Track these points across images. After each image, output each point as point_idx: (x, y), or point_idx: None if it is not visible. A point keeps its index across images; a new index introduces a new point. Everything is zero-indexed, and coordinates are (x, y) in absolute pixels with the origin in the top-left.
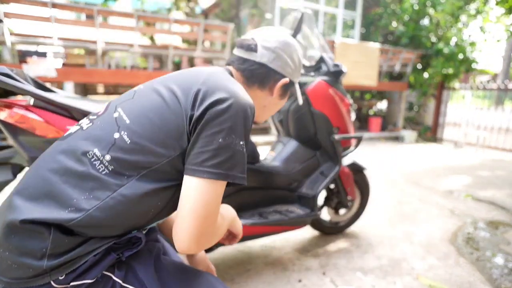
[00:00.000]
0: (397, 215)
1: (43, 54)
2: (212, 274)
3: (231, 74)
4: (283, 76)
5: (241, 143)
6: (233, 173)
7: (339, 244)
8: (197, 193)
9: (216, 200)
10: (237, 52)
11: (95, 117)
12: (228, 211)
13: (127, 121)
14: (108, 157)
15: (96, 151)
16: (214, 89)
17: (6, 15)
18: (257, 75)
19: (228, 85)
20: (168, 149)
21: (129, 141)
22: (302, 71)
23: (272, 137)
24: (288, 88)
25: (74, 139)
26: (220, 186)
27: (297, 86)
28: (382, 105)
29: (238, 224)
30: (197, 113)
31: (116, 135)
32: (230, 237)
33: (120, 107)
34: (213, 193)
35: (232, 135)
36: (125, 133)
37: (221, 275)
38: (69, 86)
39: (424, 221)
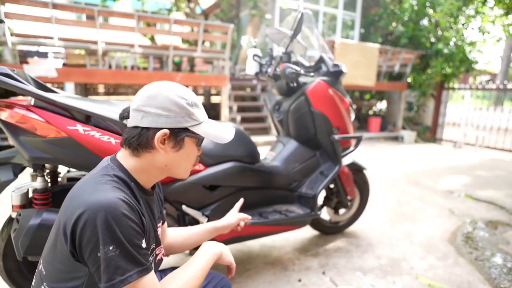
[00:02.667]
0: (397, 215)
1: (44, 55)
2: None
3: (117, 163)
4: (160, 129)
5: (111, 248)
6: (116, 280)
7: (338, 243)
8: None
9: None
10: None
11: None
12: (208, 252)
13: (44, 273)
14: None
15: None
16: (71, 214)
17: (7, 15)
18: (133, 139)
19: (79, 202)
20: (74, 280)
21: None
22: (199, 110)
23: (272, 137)
24: (177, 136)
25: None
26: None
27: (198, 128)
28: (382, 105)
29: (227, 257)
30: (71, 246)
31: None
32: (227, 269)
33: (42, 259)
34: None
35: (101, 247)
36: (45, 284)
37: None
38: (70, 86)
39: (424, 221)
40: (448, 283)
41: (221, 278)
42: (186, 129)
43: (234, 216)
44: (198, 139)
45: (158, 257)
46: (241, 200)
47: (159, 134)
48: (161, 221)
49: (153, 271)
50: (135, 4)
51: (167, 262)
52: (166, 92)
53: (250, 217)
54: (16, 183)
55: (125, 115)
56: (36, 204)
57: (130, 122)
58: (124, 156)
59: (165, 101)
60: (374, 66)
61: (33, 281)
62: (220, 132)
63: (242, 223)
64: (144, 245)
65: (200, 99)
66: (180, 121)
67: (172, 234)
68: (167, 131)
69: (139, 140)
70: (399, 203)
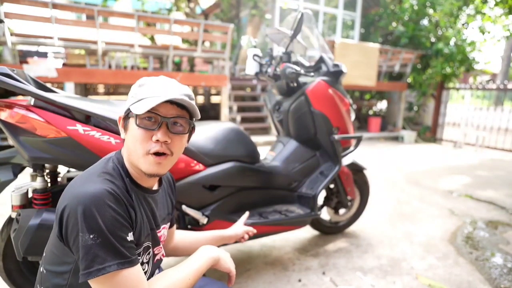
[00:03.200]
0: (397, 215)
1: (43, 55)
2: None
3: (119, 156)
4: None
5: (91, 236)
6: (93, 269)
7: (338, 244)
8: None
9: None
10: None
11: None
12: (204, 255)
13: (44, 255)
14: None
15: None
16: (61, 204)
17: (7, 15)
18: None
19: (69, 192)
20: (64, 265)
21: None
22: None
23: (272, 137)
24: (125, 119)
25: None
26: (104, 280)
27: (135, 105)
28: (382, 105)
29: (225, 263)
30: (59, 234)
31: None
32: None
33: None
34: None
35: (81, 234)
36: (43, 266)
37: (221, 275)
38: (70, 86)
39: (424, 221)
40: (448, 283)
41: (220, 285)
42: (128, 109)
43: (241, 228)
44: (134, 117)
45: (157, 257)
46: (247, 213)
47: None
48: (168, 223)
49: (139, 265)
50: (135, 4)
51: (167, 262)
52: (138, 82)
53: (255, 230)
54: (16, 183)
55: None
56: (36, 204)
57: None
58: (123, 149)
59: (132, 89)
60: (375, 66)
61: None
62: (151, 99)
63: (246, 236)
64: (130, 238)
65: (154, 80)
66: (128, 103)
67: (179, 237)
68: (122, 114)
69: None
70: (399, 203)
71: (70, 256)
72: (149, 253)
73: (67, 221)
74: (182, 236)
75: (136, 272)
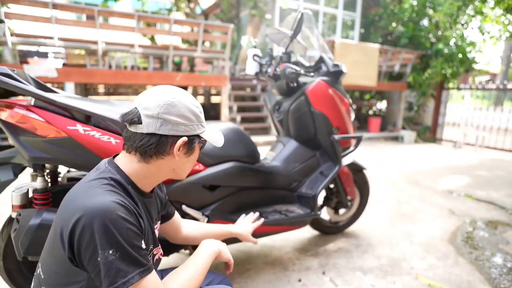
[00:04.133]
0: (397, 215)
1: (44, 55)
2: None
3: (114, 165)
4: (179, 137)
5: (111, 252)
6: (118, 283)
7: (338, 243)
8: None
9: None
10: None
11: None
12: (208, 250)
13: (42, 276)
14: None
15: None
16: (68, 220)
17: (7, 15)
18: (150, 147)
19: (73, 207)
20: (73, 285)
21: None
22: (203, 122)
23: (272, 137)
24: (191, 143)
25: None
26: None
27: (205, 134)
28: (382, 105)
29: (225, 254)
30: (69, 252)
31: None
32: (225, 266)
33: (40, 262)
34: None
35: (100, 252)
36: (44, 287)
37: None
38: (70, 86)
39: (424, 221)
40: (448, 283)
41: (222, 278)
42: (198, 136)
43: (250, 228)
44: (203, 144)
45: (156, 257)
46: (257, 214)
47: (180, 142)
48: (159, 222)
49: (154, 270)
50: (135, 4)
51: (167, 262)
52: (184, 101)
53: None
54: (16, 183)
55: (134, 119)
56: (36, 204)
57: (144, 129)
58: (127, 161)
59: (185, 110)
60: (375, 66)
61: (32, 283)
62: (217, 136)
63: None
64: (143, 245)
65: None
66: (195, 128)
67: (190, 227)
68: (186, 139)
69: (157, 147)
70: (399, 203)
71: (80, 275)
72: (151, 255)
73: (79, 239)
74: (193, 227)
75: (154, 277)
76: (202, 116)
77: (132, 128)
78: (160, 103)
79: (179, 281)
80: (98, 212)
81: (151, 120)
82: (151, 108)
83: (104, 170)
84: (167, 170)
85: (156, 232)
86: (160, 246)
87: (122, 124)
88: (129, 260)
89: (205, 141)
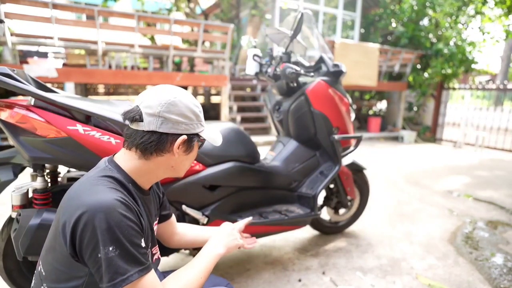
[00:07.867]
0: (397, 215)
1: (44, 55)
2: None
3: (114, 164)
4: (179, 135)
5: (111, 248)
6: (117, 280)
7: (338, 243)
8: None
9: None
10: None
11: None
12: (211, 253)
13: (44, 274)
14: None
15: None
16: (70, 216)
17: (7, 15)
18: (150, 144)
19: (75, 204)
20: (74, 280)
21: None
22: (202, 121)
23: (272, 137)
24: (191, 142)
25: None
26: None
27: (204, 133)
28: (382, 105)
29: (233, 248)
30: (71, 248)
31: None
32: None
33: (41, 260)
34: None
35: (101, 248)
36: (45, 284)
37: (221, 274)
38: (70, 86)
39: (424, 221)
40: (448, 283)
41: (226, 284)
42: (197, 135)
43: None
44: (202, 143)
45: (155, 257)
46: (250, 218)
47: (179, 140)
48: (157, 220)
49: (153, 269)
50: (135, 4)
51: (167, 262)
52: (185, 100)
53: (255, 240)
54: (16, 183)
55: (136, 117)
56: (36, 204)
57: (145, 126)
58: (127, 158)
59: (185, 109)
60: (375, 66)
61: (33, 282)
62: (215, 136)
63: (249, 245)
64: (143, 244)
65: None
66: (195, 127)
67: (182, 229)
68: (185, 137)
69: (158, 145)
70: (399, 203)
71: (82, 270)
72: (149, 254)
73: (81, 235)
74: (185, 229)
75: (153, 276)
76: (201, 115)
77: (134, 126)
78: (162, 102)
79: (179, 282)
80: (100, 209)
81: (152, 118)
82: (152, 107)
83: (104, 169)
84: (166, 167)
85: (155, 229)
86: (157, 246)
87: (123, 123)
88: (129, 258)
89: (204, 140)
